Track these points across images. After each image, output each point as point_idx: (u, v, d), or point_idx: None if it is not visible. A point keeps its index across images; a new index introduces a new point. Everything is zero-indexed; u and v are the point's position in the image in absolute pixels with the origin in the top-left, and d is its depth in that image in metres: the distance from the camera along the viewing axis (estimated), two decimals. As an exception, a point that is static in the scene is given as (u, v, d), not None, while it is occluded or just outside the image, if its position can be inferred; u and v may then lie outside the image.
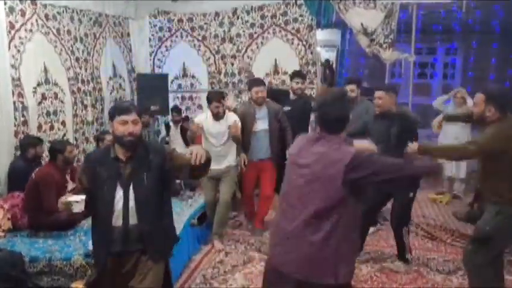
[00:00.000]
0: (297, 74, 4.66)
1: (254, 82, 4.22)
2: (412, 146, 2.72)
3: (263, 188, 4.28)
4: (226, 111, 4.02)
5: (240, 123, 3.98)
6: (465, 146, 2.73)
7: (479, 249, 2.70)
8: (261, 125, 4.14)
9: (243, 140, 4.09)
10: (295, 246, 1.86)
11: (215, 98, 3.92)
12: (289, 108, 4.45)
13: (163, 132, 6.00)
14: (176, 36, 6.25)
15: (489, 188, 2.72)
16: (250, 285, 3.37)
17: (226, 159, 4.06)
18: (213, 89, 6.23)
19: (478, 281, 2.72)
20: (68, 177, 3.79)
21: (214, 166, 3.93)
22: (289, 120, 4.29)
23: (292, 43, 5.87)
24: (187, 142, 5.37)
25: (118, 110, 2.11)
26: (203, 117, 4.02)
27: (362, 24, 5.37)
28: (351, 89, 4.35)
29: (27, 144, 3.84)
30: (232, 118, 3.97)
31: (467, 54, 10.12)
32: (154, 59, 6.36)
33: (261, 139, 4.15)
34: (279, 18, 5.85)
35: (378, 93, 3.39)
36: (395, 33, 5.43)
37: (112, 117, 2.12)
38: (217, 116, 3.93)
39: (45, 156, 4.00)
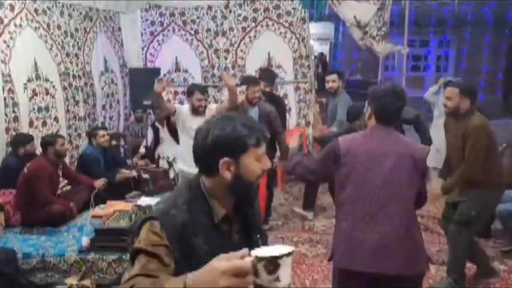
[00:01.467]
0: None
1: (251, 80, 3.83)
2: (435, 187, 3.00)
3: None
4: (208, 105, 3.69)
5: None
6: (465, 169, 2.88)
7: (463, 230, 3.01)
8: None
9: None
10: (400, 244, 1.87)
11: (198, 88, 3.56)
12: None
13: (150, 136, 5.54)
14: (168, 31, 6.20)
15: (472, 176, 2.92)
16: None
17: None
18: (207, 83, 6.21)
19: (461, 254, 3.10)
20: (60, 172, 3.77)
21: (190, 168, 3.32)
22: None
23: (285, 36, 5.85)
24: (178, 140, 5.27)
25: (257, 137, 1.21)
26: (183, 109, 3.66)
27: (355, 17, 5.36)
28: (333, 79, 4.32)
29: (17, 142, 3.81)
30: (212, 108, 3.67)
31: (460, 47, 10.16)
32: (146, 53, 6.31)
33: None
34: (271, 12, 5.82)
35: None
36: (388, 26, 5.43)
37: (242, 149, 1.19)
38: (198, 111, 3.54)
39: (39, 153, 3.96)
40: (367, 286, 1.88)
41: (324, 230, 4.28)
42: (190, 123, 3.52)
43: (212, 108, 3.65)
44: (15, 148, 3.79)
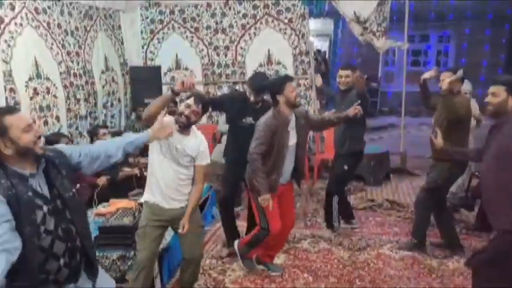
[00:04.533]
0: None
1: (286, 78, 3.18)
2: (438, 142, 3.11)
3: (283, 216, 3.20)
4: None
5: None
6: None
7: (429, 196, 3.54)
8: (292, 138, 3.08)
9: (275, 164, 3.02)
10: None
11: (194, 95, 2.69)
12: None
13: None
14: (168, 28, 6.21)
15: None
16: (248, 274, 3.40)
17: (185, 193, 2.72)
18: (207, 81, 6.21)
19: (422, 217, 3.65)
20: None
21: (164, 203, 2.68)
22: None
23: (285, 33, 5.86)
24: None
25: None
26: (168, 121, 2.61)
27: (354, 13, 5.37)
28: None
29: None
30: (201, 137, 2.77)
31: (460, 41, 10.15)
32: (146, 51, 6.31)
33: (289, 157, 3.10)
34: (271, 8, 5.83)
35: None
36: (387, 21, 5.43)
37: None
38: (184, 127, 2.67)
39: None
40: None
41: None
42: (171, 141, 2.62)
43: (201, 136, 2.79)
44: None
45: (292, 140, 3.08)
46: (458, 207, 4.48)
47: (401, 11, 5.78)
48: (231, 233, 3.74)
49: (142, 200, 2.82)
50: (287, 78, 3.15)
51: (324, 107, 7.28)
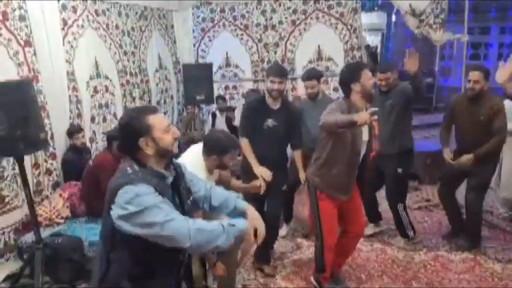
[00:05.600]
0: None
1: (362, 64, 2.97)
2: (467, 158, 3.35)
3: (352, 224, 2.93)
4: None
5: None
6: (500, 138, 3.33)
7: (481, 196, 3.52)
8: (365, 134, 2.75)
9: (349, 164, 2.67)
10: None
11: (236, 146, 2.55)
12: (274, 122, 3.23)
13: (209, 121, 6.04)
14: (219, 26, 6.29)
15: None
16: (299, 272, 3.37)
17: None
18: (256, 77, 6.23)
19: (478, 217, 3.55)
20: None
21: None
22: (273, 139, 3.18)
23: (336, 28, 5.74)
24: (232, 131, 5.42)
25: None
26: (197, 167, 2.31)
27: (410, 5, 5.15)
28: (312, 85, 3.72)
29: (71, 133, 3.97)
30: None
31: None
32: (197, 49, 6.44)
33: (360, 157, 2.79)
34: (321, 3, 5.73)
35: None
36: (446, 13, 5.17)
37: None
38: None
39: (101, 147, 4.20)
40: None
41: (379, 225, 4.18)
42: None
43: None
44: (70, 138, 3.96)
45: (365, 136, 2.72)
46: None
47: (459, 3, 5.48)
48: (262, 252, 3.43)
49: None
50: (363, 65, 2.78)
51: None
